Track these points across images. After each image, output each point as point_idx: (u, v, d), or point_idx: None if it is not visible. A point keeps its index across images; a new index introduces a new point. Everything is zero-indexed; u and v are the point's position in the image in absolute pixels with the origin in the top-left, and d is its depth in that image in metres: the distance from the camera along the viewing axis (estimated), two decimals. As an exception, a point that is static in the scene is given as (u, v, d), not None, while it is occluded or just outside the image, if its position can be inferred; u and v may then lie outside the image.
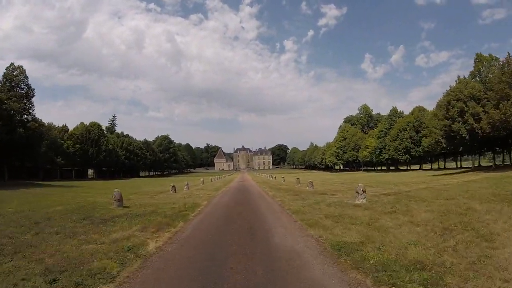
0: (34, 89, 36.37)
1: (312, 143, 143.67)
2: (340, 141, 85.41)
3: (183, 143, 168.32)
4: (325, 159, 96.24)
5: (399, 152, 56.58)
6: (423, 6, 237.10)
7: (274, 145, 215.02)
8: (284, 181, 34.47)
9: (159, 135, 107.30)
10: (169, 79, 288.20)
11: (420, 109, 62.70)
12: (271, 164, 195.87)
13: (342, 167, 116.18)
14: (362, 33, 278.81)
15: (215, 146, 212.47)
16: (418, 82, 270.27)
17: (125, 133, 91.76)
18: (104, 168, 73.65)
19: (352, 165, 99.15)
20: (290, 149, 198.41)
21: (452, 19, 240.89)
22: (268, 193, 18.92)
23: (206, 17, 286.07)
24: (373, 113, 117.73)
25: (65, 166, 52.68)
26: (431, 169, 56.59)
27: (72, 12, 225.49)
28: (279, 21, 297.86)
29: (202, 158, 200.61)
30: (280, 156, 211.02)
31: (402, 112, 66.28)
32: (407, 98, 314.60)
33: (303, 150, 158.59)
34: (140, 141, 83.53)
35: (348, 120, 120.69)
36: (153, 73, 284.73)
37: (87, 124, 61.28)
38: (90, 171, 74.90)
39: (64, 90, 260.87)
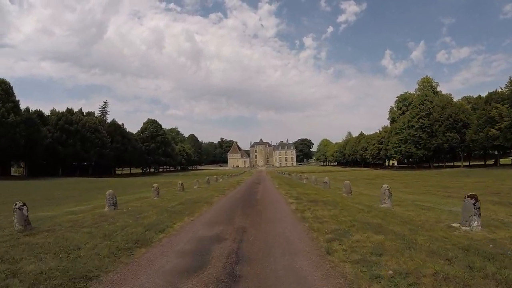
0: None
1: (349, 133, 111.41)
2: (420, 119, 51.85)
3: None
4: (388, 150, 62.48)
5: None
6: (444, 1, 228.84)
7: (296, 140, 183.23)
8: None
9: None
10: (188, 78, 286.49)
11: None
12: (294, 160, 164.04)
13: (395, 163, 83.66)
14: (382, 29, 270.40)
15: (230, 140, 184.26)
16: (439, 79, 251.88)
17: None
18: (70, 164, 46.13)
19: (410, 161, 65.81)
20: (318, 143, 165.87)
21: (473, 14, 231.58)
22: None
23: (225, 15, 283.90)
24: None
25: None
26: None
27: (92, 14, 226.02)
28: (298, 18, 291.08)
29: (216, 154, 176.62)
30: (304, 151, 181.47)
31: None
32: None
33: (336, 143, 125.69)
34: (107, 122, 55.72)
35: (403, 99, 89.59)
36: (173, 72, 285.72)
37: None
38: (17, 167, 48.36)
39: (86, 89, 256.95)
